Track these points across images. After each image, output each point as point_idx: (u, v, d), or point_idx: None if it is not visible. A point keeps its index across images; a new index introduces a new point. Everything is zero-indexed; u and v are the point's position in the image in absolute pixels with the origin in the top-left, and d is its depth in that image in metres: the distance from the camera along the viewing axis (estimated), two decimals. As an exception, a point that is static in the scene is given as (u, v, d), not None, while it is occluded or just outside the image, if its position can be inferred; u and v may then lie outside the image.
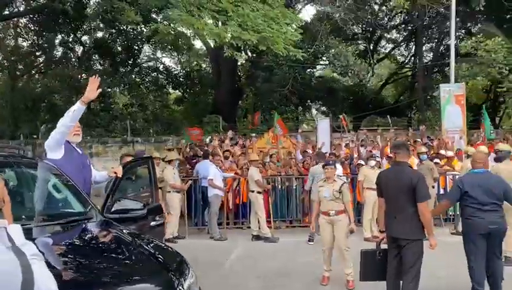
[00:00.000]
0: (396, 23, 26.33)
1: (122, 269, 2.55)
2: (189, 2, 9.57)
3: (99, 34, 19.94)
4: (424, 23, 19.86)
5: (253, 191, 8.85)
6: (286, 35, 10.96)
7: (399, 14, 24.09)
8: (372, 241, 8.70)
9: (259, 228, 8.95)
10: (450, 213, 10.15)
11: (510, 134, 12.51)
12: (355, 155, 11.10)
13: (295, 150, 12.13)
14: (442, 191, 10.11)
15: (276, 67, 16.82)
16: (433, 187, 9.20)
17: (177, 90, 24.66)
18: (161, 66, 22.84)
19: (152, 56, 22.77)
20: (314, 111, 31.44)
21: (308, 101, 24.15)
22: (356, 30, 24.28)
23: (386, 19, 25.52)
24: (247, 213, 10.16)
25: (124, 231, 3.19)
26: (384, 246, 4.66)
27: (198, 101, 22.37)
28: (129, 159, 5.07)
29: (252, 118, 18.33)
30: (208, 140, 13.31)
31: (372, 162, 9.11)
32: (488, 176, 4.96)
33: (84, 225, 3.17)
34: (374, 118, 27.68)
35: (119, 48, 18.94)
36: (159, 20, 14.91)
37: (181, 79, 23.07)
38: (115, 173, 3.96)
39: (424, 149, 9.99)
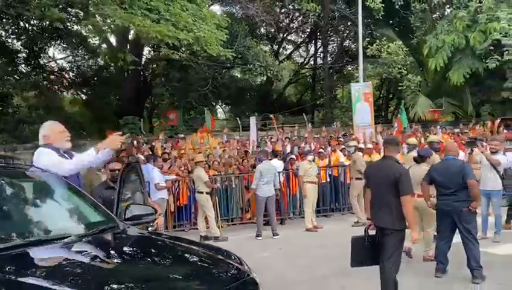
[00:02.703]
0: (297, 26, 27.74)
1: (209, 277, 2.50)
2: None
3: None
4: (327, 26, 21.21)
5: (202, 192, 8.80)
6: (216, 36, 11.05)
7: (299, 17, 25.37)
8: (313, 232, 9.27)
9: (207, 228, 8.96)
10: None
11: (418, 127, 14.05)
12: (288, 151, 11.61)
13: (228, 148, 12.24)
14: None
15: (196, 67, 16.72)
16: (358, 179, 9.97)
17: (82, 91, 23.21)
18: (67, 66, 21.26)
19: (49, 55, 21.02)
20: (220, 110, 31.78)
21: (219, 100, 24.40)
22: (262, 31, 25.14)
23: (286, 20, 26.74)
24: (189, 215, 10.07)
25: (164, 237, 3.11)
26: (372, 232, 4.99)
27: (108, 102, 21.27)
28: (118, 165, 4.79)
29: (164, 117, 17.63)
30: (135, 142, 12.74)
31: (311, 157, 9.63)
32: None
33: (121, 234, 3.00)
34: (276, 116, 28.96)
35: (20, 47, 17.18)
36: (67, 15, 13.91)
37: (88, 78, 21.72)
38: (121, 176, 3.75)
39: (353, 143, 10.85)
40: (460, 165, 5.67)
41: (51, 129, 3.82)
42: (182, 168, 10.25)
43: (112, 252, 2.78)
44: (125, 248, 2.86)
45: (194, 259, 2.72)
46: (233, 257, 2.81)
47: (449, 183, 5.50)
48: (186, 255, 2.78)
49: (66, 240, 2.64)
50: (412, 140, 9.72)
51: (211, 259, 2.70)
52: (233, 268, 2.60)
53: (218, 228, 8.98)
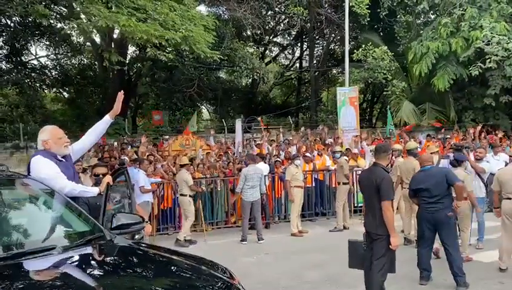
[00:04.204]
0: (283, 28, 27.69)
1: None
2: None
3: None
4: (313, 30, 21.27)
5: (185, 195, 8.73)
6: (204, 37, 10.97)
7: (286, 20, 25.37)
8: (298, 237, 9.24)
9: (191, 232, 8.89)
10: (360, 204, 11.15)
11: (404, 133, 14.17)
12: (274, 154, 11.57)
13: (212, 151, 12.15)
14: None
15: (182, 68, 16.59)
16: (345, 183, 10.01)
17: (64, 89, 22.82)
18: (49, 64, 20.87)
19: (31, 53, 20.63)
20: (205, 112, 31.58)
21: (204, 102, 24.29)
22: (249, 33, 25.06)
23: (272, 23, 26.69)
24: (172, 218, 9.94)
25: (151, 248, 3.04)
26: None
27: (91, 101, 20.97)
28: (102, 169, 4.68)
29: (150, 117, 17.45)
30: (116, 144, 12.58)
31: (298, 162, 9.61)
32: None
33: (108, 245, 2.91)
34: (260, 117, 28.94)
35: (1, 43, 16.77)
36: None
37: (71, 76, 21.38)
38: (107, 183, 3.68)
39: (338, 148, 10.88)
40: (444, 171, 5.89)
41: (51, 134, 3.77)
42: (167, 171, 10.12)
43: (98, 264, 2.69)
44: (111, 260, 2.78)
45: (184, 273, 2.65)
46: (225, 271, 2.75)
47: (434, 191, 5.61)
48: (175, 268, 2.71)
49: (50, 251, 2.55)
50: (397, 146, 9.83)
51: (204, 274, 2.64)
52: (224, 284, 2.54)
53: (203, 231, 8.89)
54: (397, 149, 9.56)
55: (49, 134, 3.73)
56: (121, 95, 4.28)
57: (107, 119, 4.25)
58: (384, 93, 17.61)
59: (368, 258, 4.83)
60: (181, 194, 8.85)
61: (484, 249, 7.27)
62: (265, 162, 10.30)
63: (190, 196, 8.80)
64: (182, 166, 9.00)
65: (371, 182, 4.78)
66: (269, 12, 24.42)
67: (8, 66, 17.28)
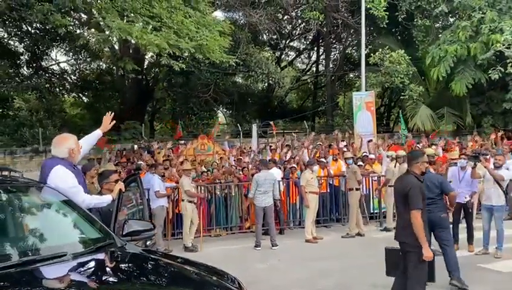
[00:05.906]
0: (299, 32, 27.65)
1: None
2: (122, 7, 9.11)
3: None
4: (330, 34, 21.20)
5: (183, 200, 8.86)
6: (219, 42, 11.02)
7: (302, 24, 25.34)
8: (312, 243, 9.17)
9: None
10: (376, 211, 11.03)
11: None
12: (286, 158, 11.52)
13: (227, 156, 12.19)
14: (365, 191, 10.90)
15: (198, 73, 16.73)
16: (358, 189, 9.93)
17: (83, 94, 23.25)
18: (69, 69, 21.32)
19: (51, 58, 21.08)
20: (221, 115, 31.71)
21: (220, 106, 24.42)
22: (265, 38, 25.11)
23: (289, 27, 26.68)
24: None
25: (162, 256, 3.06)
26: None
27: (109, 105, 21.28)
28: (115, 175, 4.74)
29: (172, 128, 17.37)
30: (135, 147, 12.73)
31: (315, 168, 9.55)
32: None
33: (118, 252, 2.93)
34: (276, 122, 28.91)
35: (22, 49, 17.20)
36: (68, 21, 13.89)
37: (90, 81, 21.76)
38: (120, 189, 3.73)
39: (350, 154, 10.81)
40: (440, 179, 6.21)
41: (75, 143, 3.81)
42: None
43: (107, 271, 2.72)
44: (121, 267, 2.80)
45: (193, 283, 2.66)
46: (234, 281, 2.74)
47: (430, 194, 5.71)
48: (185, 277, 2.71)
49: (61, 259, 2.58)
50: (401, 152, 9.77)
51: (214, 284, 2.65)
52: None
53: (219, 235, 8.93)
54: (402, 155, 9.47)
55: (74, 143, 3.76)
56: (109, 115, 4.50)
57: (98, 133, 4.39)
58: (402, 97, 17.42)
59: (400, 267, 4.69)
60: (181, 199, 8.99)
61: (503, 258, 7.09)
62: (279, 168, 10.28)
63: (190, 201, 8.85)
64: (183, 171, 9.11)
65: (400, 191, 4.70)
66: (285, 17, 24.43)
67: (29, 71, 17.65)
